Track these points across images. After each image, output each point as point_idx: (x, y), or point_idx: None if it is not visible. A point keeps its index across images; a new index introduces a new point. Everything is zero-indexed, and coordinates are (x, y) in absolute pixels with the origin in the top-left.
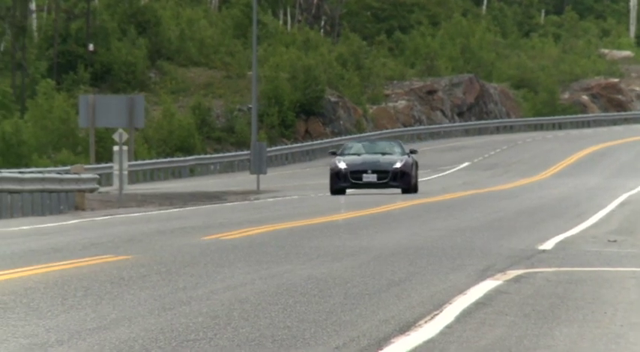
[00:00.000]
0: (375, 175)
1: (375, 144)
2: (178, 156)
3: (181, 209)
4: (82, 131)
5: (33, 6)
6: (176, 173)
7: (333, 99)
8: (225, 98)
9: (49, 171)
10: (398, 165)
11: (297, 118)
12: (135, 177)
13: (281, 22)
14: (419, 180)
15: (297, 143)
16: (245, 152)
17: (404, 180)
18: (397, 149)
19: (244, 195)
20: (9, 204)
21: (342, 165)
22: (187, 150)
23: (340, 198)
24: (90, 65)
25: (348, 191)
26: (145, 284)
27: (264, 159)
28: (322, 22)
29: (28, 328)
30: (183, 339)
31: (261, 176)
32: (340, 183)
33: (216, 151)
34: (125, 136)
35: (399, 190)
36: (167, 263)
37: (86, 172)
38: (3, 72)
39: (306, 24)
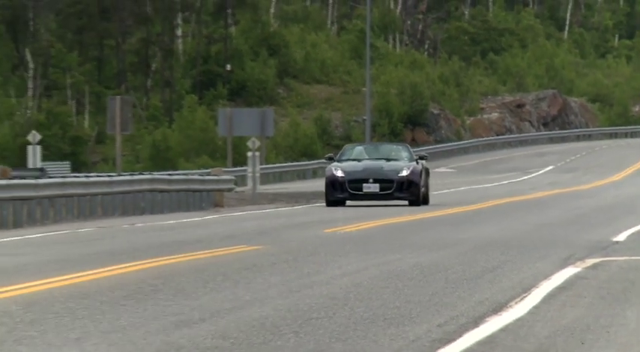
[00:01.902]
0: (377, 185)
1: (378, 148)
2: (303, 161)
3: (305, 206)
4: (220, 139)
5: (179, 32)
6: (301, 175)
7: (435, 111)
8: (342, 111)
9: (192, 174)
10: (404, 173)
11: (405, 128)
12: (265, 178)
13: (391, 45)
14: (430, 190)
15: None
16: None
17: (411, 191)
18: (404, 154)
19: None
20: (159, 201)
21: (339, 173)
22: (310, 156)
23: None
24: (227, 83)
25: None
26: (274, 271)
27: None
28: (426, 46)
29: (175, 307)
30: (307, 318)
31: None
32: (336, 193)
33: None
34: (257, 144)
35: (405, 202)
36: (293, 252)
37: (224, 174)
38: (154, 88)
39: (412, 47)
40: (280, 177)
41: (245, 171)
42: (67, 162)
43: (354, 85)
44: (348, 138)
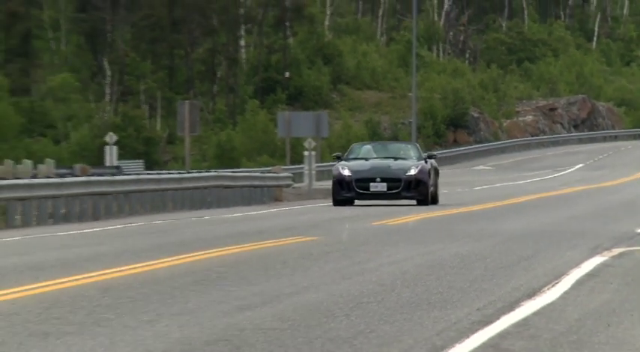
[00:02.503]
0: (384, 184)
1: (386, 147)
2: None
3: None
4: (279, 140)
5: (242, 43)
6: None
7: (475, 114)
8: (390, 114)
9: (254, 171)
10: (412, 172)
11: (447, 130)
12: (320, 175)
13: (434, 54)
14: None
15: (447, 149)
16: None
17: (419, 190)
18: (413, 153)
19: None
20: (224, 196)
21: (346, 172)
22: None
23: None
24: (286, 89)
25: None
26: (328, 259)
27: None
28: (467, 55)
29: (239, 292)
30: (358, 302)
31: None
32: (343, 192)
33: None
34: (313, 144)
35: (413, 202)
36: (345, 242)
37: (283, 172)
38: (219, 94)
39: (454, 56)
40: None
41: (302, 168)
42: (141, 161)
43: (401, 90)
44: (396, 139)
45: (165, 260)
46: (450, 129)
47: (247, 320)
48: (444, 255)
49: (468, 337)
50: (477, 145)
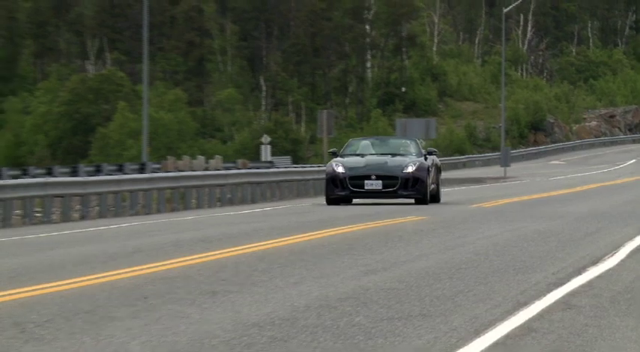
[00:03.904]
0: (380, 182)
1: (385, 142)
2: (456, 156)
3: (455, 188)
4: None
5: (368, 64)
6: (453, 166)
7: (551, 120)
8: (484, 120)
9: None
10: (409, 169)
11: (529, 132)
12: None
13: (519, 73)
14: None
15: (528, 148)
16: (497, 153)
17: (417, 189)
18: (412, 149)
19: (496, 179)
20: None
21: (340, 169)
22: (461, 152)
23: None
24: (402, 100)
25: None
26: (435, 234)
27: (509, 158)
28: (544, 74)
29: (365, 260)
30: (458, 268)
31: (507, 168)
32: (337, 191)
33: (479, 153)
34: (423, 143)
35: (411, 200)
36: (448, 221)
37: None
38: (350, 105)
39: (534, 75)
40: (444, 166)
41: None
42: (289, 157)
43: (492, 101)
44: (488, 140)
45: (308, 234)
46: (531, 132)
47: (371, 282)
48: (526, 230)
49: (544, 295)
50: (552, 145)
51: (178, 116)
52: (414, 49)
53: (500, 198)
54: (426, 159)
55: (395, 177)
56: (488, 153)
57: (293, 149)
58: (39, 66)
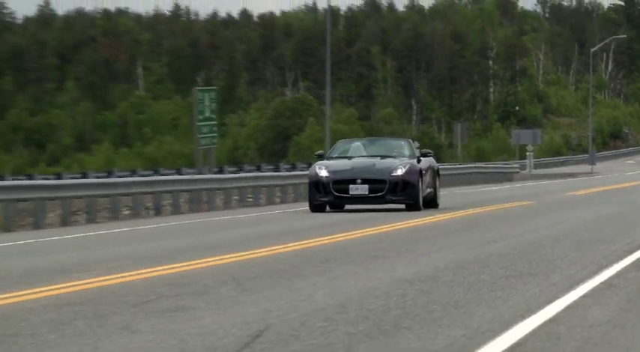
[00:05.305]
0: (366, 186)
1: (376, 144)
2: (556, 157)
3: (553, 181)
4: (513, 145)
5: (491, 89)
6: (553, 165)
7: (626, 130)
8: (577, 131)
9: (497, 163)
10: (398, 172)
11: (610, 140)
12: (536, 165)
13: (602, 96)
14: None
15: (609, 151)
16: (585, 155)
17: (407, 194)
18: (405, 150)
19: (585, 174)
20: (479, 178)
21: (323, 173)
22: (559, 154)
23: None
24: (516, 116)
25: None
26: (538, 215)
27: (594, 158)
28: (622, 96)
29: (486, 234)
30: (557, 239)
31: (593, 166)
32: (319, 196)
33: (572, 155)
34: (532, 148)
35: (402, 205)
36: (549, 205)
37: (514, 163)
38: (477, 119)
39: (614, 97)
40: (545, 165)
41: (525, 162)
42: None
43: (582, 117)
44: (580, 145)
45: (443, 215)
46: (611, 140)
47: (492, 250)
48: (607, 212)
49: (621, 259)
50: (628, 149)
51: (351, 128)
52: (525, 78)
53: (588, 188)
54: (419, 161)
55: (382, 181)
56: (579, 155)
57: (435, 152)
58: (251, 91)
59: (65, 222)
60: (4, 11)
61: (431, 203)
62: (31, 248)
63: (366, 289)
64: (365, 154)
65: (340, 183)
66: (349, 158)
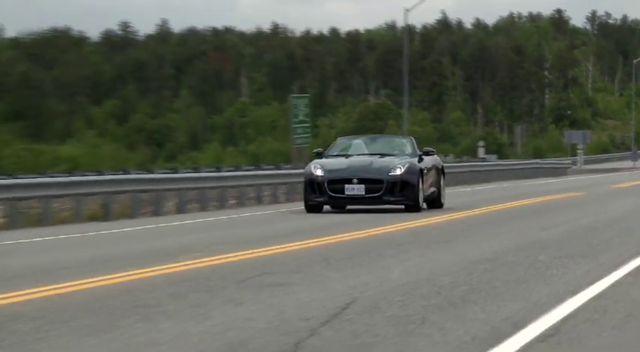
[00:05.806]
0: (362, 186)
1: (376, 141)
2: (603, 154)
3: (600, 175)
4: (566, 144)
5: (546, 96)
6: (600, 161)
7: None
8: (621, 131)
9: (551, 159)
10: (397, 171)
11: None
12: (586, 161)
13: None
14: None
15: None
16: (629, 153)
17: (405, 194)
18: (407, 148)
19: (627, 169)
20: (535, 172)
21: (318, 172)
22: (606, 152)
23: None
24: (568, 119)
25: None
26: (589, 204)
27: (636, 155)
28: None
29: (540, 221)
30: (594, 229)
31: (635, 162)
32: (314, 196)
33: (617, 152)
34: (582, 146)
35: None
36: (598, 196)
37: (566, 160)
38: (534, 122)
39: None
40: (594, 161)
41: (576, 158)
42: (496, 155)
43: (626, 120)
44: (623, 143)
45: (502, 204)
46: None
47: (545, 235)
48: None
49: None
50: None
51: (425, 129)
52: (576, 86)
53: (630, 181)
54: (420, 160)
55: (380, 181)
56: (623, 152)
57: (498, 150)
58: (339, 98)
59: (180, 210)
60: (128, 29)
61: (434, 203)
62: (151, 232)
63: (435, 269)
64: (366, 152)
65: (336, 183)
66: (347, 156)
